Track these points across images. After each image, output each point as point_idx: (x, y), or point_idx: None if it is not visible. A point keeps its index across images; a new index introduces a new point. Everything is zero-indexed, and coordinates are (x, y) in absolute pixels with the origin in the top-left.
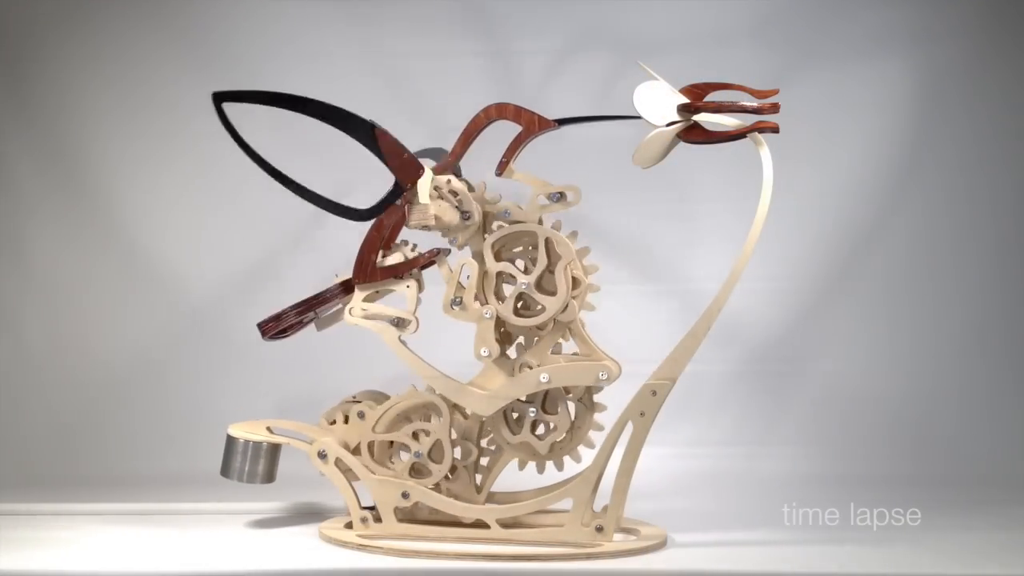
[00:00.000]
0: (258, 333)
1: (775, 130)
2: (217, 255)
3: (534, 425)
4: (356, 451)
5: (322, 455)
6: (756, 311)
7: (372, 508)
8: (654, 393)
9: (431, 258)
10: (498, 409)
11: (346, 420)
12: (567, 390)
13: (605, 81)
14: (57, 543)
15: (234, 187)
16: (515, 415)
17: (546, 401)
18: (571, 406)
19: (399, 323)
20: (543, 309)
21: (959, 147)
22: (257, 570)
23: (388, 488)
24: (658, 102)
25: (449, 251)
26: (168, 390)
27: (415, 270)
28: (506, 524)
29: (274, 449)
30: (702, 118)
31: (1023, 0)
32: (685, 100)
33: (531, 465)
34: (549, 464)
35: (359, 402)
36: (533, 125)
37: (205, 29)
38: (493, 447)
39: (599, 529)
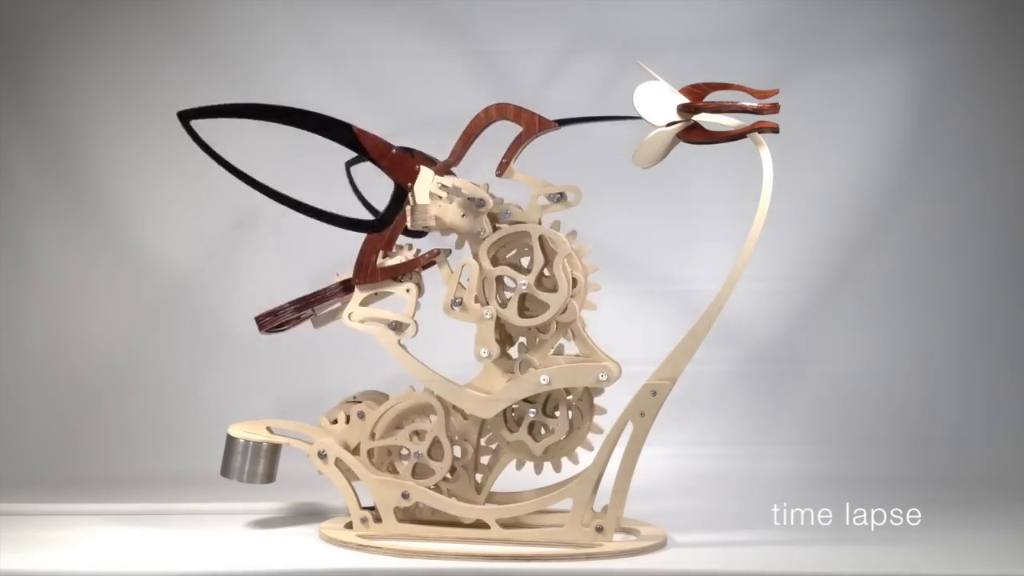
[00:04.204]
0: (256, 329)
1: (775, 130)
2: (218, 255)
3: (533, 426)
4: (356, 451)
5: (322, 455)
6: (756, 311)
7: (372, 508)
8: (654, 393)
9: (431, 259)
10: (499, 412)
11: (347, 420)
12: (568, 392)
13: (605, 81)
14: (57, 543)
15: (235, 187)
16: (515, 415)
17: (547, 403)
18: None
19: (397, 327)
20: (547, 307)
21: (959, 147)
22: (257, 570)
23: (388, 488)
24: (658, 102)
25: (450, 251)
26: (168, 390)
27: (415, 271)
28: (506, 524)
29: (274, 449)
30: (702, 118)
31: (1023, 0)
32: (685, 100)
33: (530, 466)
34: (547, 465)
35: (359, 402)
36: (533, 125)
37: (205, 30)
38: (493, 446)
39: (599, 529)
